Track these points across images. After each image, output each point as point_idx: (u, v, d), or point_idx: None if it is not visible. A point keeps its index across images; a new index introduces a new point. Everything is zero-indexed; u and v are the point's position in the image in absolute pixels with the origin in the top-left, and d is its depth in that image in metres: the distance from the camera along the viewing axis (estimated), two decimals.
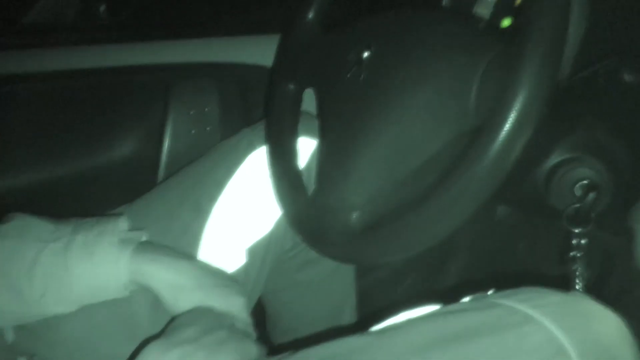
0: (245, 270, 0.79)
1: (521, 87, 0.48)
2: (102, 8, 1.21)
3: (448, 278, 1.18)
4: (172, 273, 0.66)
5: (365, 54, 0.64)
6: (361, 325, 0.63)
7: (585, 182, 0.71)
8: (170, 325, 0.63)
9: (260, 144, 0.80)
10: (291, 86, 0.76)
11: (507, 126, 0.49)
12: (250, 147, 0.80)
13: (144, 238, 0.70)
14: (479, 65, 0.55)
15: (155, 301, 0.68)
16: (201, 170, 0.81)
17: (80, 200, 0.94)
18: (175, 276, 0.66)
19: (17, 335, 0.67)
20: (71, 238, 0.64)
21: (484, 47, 0.56)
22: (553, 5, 0.48)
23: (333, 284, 0.94)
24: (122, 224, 0.68)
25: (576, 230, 0.67)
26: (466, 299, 0.60)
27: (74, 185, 0.93)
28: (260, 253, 0.80)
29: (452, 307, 0.58)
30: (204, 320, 0.63)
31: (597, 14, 0.62)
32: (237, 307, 0.68)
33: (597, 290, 0.59)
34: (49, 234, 0.65)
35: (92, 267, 0.64)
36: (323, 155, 0.68)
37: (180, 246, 0.73)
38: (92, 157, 0.94)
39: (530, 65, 0.48)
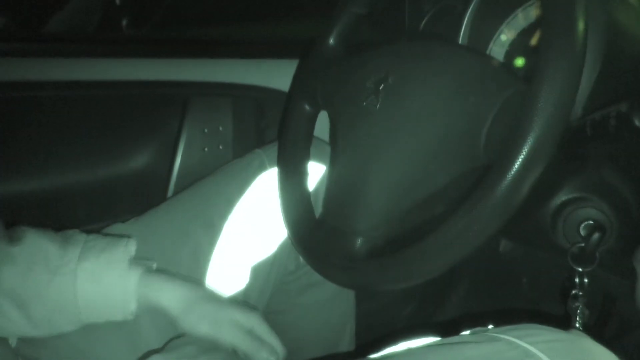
0: (248, 289, 0.79)
1: (533, 126, 0.49)
2: (125, 21, 1.23)
3: (448, 308, 1.18)
4: (183, 288, 0.67)
5: (383, 84, 0.65)
6: (360, 352, 0.63)
7: (590, 222, 0.71)
8: (170, 343, 0.64)
9: (271, 165, 0.81)
10: (307, 107, 0.76)
11: (517, 164, 0.49)
12: (262, 167, 0.82)
13: (154, 267, 0.71)
14: (493, 106, 0.55)
15: (159, 322, 0.69)
16: (213, 188, 0.82)
17: (89, 209, 0.95)
18: (186, 291, 0.67)
19: (20, 341, 0.68)
20: (79, 265, 0.65)
21: (499, 87, 0.56)
22: (569, 48, 0.49)
23: (334, 309, 0.94)
24: (131, 248, 0.69)
25: (580, 269, 0.68)
26: (466, 332, 0.60)
27: (84, 194, 0.94)
28: (263, 273, 0.81)
29: (452, 339, 0.58)
30: (202, 342, 0.64)
31: (610, 59, 0.63)
32: (254, 316, 0.69)
33: (597, 331, 0.59)
34: (57, 259, 0.66)
35: (100, 296, 0.65)
36: (333, 179, 0.69)
37: (191, 262, 0.74)
38: (104, 168, 0.95)
39: (544, 105, 0.48)
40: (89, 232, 0.71)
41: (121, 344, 0.70)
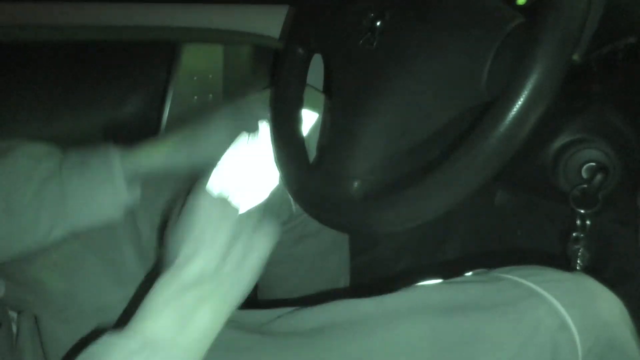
0: None
1: (537, 62, 0.47)
2: None
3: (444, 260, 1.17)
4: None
5: (379, 21, 0.62)
6: (356, 296, 0.62)
7: (593, 163, 0.70)
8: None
9: (263, 112, 0.79)
10: (300, 50, 0.74)
11: (520, 101, 0.47)
12: (253, 115, 0.79)
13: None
14: (494, 41, 0.53)
15: (141, 247, 0.69)
16: (202, 135, 0.80)
17: None
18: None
19: (7, 289, 0.66)
20: (65, 156, 0.66)
21: (500, 23, 0.54)
22: None
23: (328, 260, 0.93)
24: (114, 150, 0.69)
25: (581, 212, 0.67)
26: (468, 274, 0.59)
27: (70, 144, 0.91)
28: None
29: (455, 279, 0.57)
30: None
31: None
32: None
33: (597, 273, 0.58)
34: (42, 153, 0.66)
35: (85, 180, 0.64)
36: (327, 122, 0.67)
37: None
38: (91, 116, 0.93)
39: (548, 39, 0.47)
40: None
41: (106, 281, 0.69)
